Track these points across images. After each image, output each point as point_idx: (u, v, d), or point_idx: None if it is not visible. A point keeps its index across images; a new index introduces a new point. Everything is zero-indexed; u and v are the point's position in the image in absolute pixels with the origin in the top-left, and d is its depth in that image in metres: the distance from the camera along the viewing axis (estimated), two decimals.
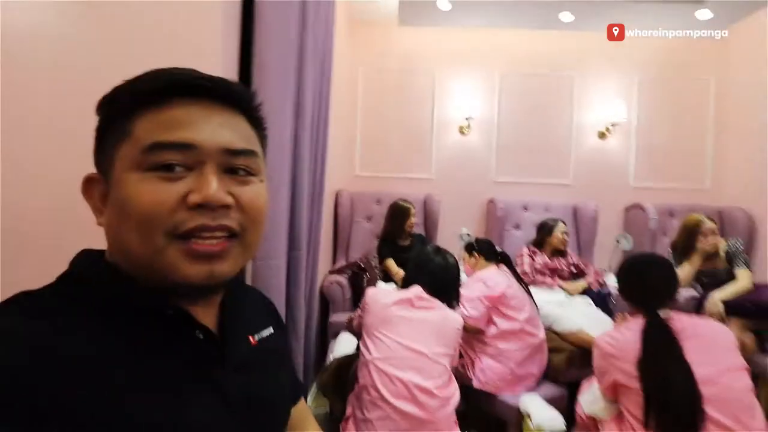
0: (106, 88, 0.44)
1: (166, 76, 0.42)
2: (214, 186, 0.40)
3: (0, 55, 0.51)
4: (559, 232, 2.55)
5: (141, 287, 0.42)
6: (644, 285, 1.30)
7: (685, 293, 2.42)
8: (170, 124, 0.40)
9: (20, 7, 0.57)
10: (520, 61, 3.18)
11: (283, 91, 1.17)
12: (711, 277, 2.25)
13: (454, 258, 1.48)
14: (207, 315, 0.47)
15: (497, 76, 3.18)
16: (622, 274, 1.38)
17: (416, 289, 1.34)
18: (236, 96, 0.45)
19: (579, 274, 2.57)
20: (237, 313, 0.51)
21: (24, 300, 0.39)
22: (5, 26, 0.52)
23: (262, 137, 0.49)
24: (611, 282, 2.52)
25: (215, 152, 0.41)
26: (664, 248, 2.94)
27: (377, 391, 1.14)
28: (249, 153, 0.44)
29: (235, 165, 0.43)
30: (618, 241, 2.78)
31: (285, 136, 1.20)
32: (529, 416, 1.55)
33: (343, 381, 1.54)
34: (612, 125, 3.11)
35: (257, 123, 0.48)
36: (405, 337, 1.21)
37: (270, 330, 0.56)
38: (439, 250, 1.47)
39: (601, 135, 3.17)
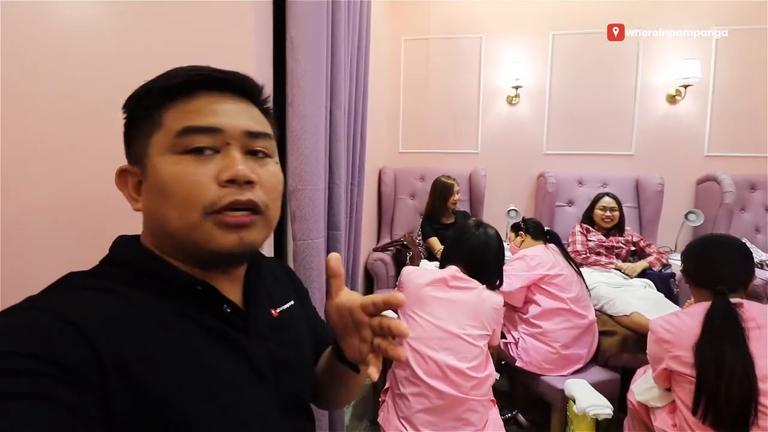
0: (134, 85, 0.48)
1: (193, 73, 0.47)
2: (240, 163, 0.45)
3: (1, 56, 0.54)
4: (599, 207, 2.37)
5: (173, 266, 0.47)
6: (713, 266, 1.18)
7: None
8: (197, 112, 0.46)
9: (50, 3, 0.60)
10: (577, 20, 2.89)
11: (315, 71, 1.16)
12: None
13: (497, 233, 1.40)
14: (232, 290, 0.52)
15: (550, 37, 2.93)
16: (689, 254, 1.26)
17: (452, 269, 1.31)
18: (250, 88, 0.50)
19: (639, 253, 2.39)
20: (258, 288, 0.56)
21: (75, 279, 0.45)
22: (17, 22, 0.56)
23: (273, 125, 0.54)
24: (676, 263, 2.32)
25: (238, 135, 0.47)
26: (742, 225, 2.65)
27: (411, 369, 1.16)
28: (266, 136, 0.50)
29: (254, 147, 0.48)
30: (687, 218, 2.53)
31: (320, 115, 1.20)
32: (573, 400, 1.50)
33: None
34: (684, 86, 2.76)
35: (267, 112, 0.54)
36: (439, 318, 1.20)
37: (291, 302, 0.62)
38: (481, 225, 1.39)
39: (671, 98, 2.84)
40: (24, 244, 0.58)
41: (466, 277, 1.29)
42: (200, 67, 0.48)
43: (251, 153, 0.48)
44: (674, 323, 1.16)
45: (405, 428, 1.15)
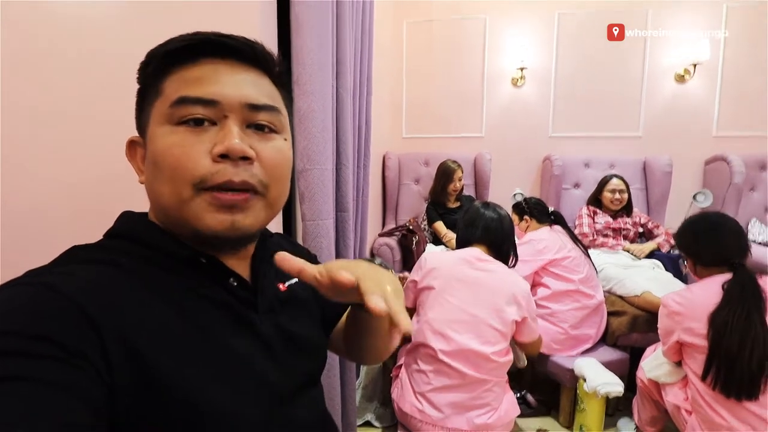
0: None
1: (193, 37, 0.44)
2: (236, 137, 0.41)
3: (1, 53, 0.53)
4: (608, 189, 2.34)
5: (178, 240, 0.45)
6: (722, 243, 1.20)
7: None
8: (196, 80, 0.42)
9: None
10: None
11: (321, 48, 1.14)
12: None
13: (505, 210, 1.40)
14: (240, 265, 0.50)
15: (555, 17, 2.87)
16: (692, 235, 1.28)
17: (475, 250, 1.29)
18: (259, 55, 0.46)
19: (647, 235, 2.37)
20: (265, 262, 0.54)
21: (78, 252, 0.43)
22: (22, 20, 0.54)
23: (287, 98, 0.51)
24: None
25: (238, 107, 0.43)
26: (751, 205, 2.62)
27: (432, 348, 1.16)
28: (271, 109, 0.46)
29: (257, 121, 0.45)
30: (695, 198, 2.51)
31: (327, 94, 1.18)
32: (584, 379, 1.50)
33: None
34: (693, 65, 2.71)
35: (281, 83, 0.50)
36: (463, 300, 1.19)
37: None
38: (488, 204, 1.39)
39: (680, 78, 2.79)
40: (24, 229, 0.57)
41: (490, 258, 1.28)
42: (204, 32, 0.44)
43: (257, 127, 0.45)
44: (686, 296, 1.18)
45: (421, 404, 1.15)
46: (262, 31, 1.06)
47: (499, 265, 1.27)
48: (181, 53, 0.43)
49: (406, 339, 1.33)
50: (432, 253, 1.33)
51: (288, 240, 0.69)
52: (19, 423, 0.28)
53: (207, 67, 0.43)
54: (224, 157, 0.41)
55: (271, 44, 1.11)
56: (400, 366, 1.30)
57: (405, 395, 1.19)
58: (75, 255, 0.42)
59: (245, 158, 0.42)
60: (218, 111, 0.42)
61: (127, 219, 0.48)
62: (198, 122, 0.42)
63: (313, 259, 0.69)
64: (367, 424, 1.70)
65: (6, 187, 0.53)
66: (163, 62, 0.44)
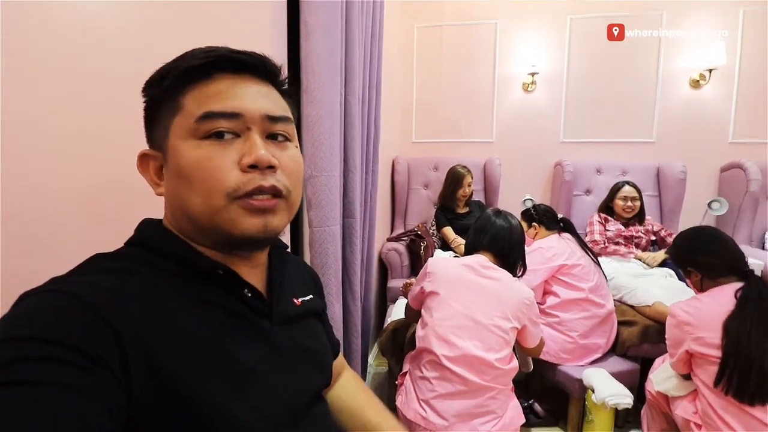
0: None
1: (210, 54, 0.46)
2: (262, 148, 0.45)
3: (2, 55, 0.53)
4: (620, 197, 2.30)
5: (196, 250, 0.47)
6: (731, 250, 1.21)
7: None
8: (217, 95, 0.45)
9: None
10: (595, 3, 2.80)
11: (330, 56, 1.15)
12: None
13: (517, 219, 1.40)
14: (254, 276, 0.52)
15: (567, 21, 2.85)
16: (693, 250, 1.28)
17: (480, 257, 1.29)
18: (270, 69, 0.50)
19: (659, 243, 2.33)
20: (281, 276, 0.56)
21: (100, 260, 0.44)
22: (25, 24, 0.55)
23: (294, 107, 0.54)
24: None
25: (258, 119, 0.46)
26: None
27: (436, 354, 1.16)
28: (285, 119, 0.49)
29: (274, 131, 0.48)
30: (710, 206, 2.46)
31: (334, 101, 1.19)
32: (592, 390, 1.48)
33: (399, 342, 1.59)
34: (708, 71, 2.66)
35: (288, 93, 0.53)
36: (467, 306, 1.19)
37: (311, 296, 0.62)
38: (500, 212, 1.39)
39: (695, 83, 2.74)
40: (39, 235, 0.58)
41: (496, 266, 1.28)
42: (218, 47, 0.47)
43: (271, 137, 0.48)
44: (696, 306, 1.18)
45: (425, 411, 1.15)
46: (273, 38, 1.08)
47: (504, 273, 1.27)
48: (199, 69, 0.46)
49: (411, 345, 1.33)
50: (436, 259, 1.33)
51: (307, 266, 0.71)
52: (34, 426, 0.29)
53: (224, 82, 0.46)
54: (252, 167, 0.44)
55: (281, 49, 1.12)
56: (405, 373, 1.29)
57: (409, 402, 1.18)
58: (97, 263, 0.44)
59: (270, 167, 0.45)
60: (241, 123, 0.45)
61: (147, 227, 0.50)
62: (221, 135, 0.44)
63: (318, 284, 0.70)
64: None
65: (8, 193, 0.54)
66: (181, 78, 0.46)
